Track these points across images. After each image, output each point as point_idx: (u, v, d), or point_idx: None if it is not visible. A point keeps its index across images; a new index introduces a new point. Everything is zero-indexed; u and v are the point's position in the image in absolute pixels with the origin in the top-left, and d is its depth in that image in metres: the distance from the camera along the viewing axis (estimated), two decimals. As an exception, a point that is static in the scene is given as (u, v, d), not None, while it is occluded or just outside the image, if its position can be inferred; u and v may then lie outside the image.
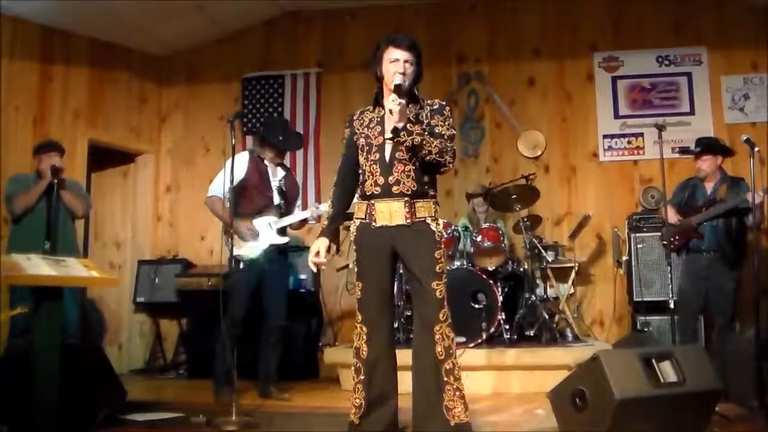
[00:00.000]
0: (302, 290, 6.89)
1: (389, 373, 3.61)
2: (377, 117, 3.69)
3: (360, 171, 3.67)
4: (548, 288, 6.75)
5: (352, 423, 3.57)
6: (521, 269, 6.39)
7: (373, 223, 3.57)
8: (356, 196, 3.77)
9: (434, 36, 7.66)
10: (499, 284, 6.04)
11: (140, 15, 7.04)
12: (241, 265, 5.24)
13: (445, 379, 3.43)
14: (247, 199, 5.36)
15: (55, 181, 5.33)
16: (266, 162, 5.49)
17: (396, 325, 5.92)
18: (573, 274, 6.77)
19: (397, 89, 3.44)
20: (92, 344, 6.43)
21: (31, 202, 5.40)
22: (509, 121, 7.46)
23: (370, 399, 3.54)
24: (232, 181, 4.68)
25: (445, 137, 3.55)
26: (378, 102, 3.73)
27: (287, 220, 5.42)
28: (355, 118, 3.78)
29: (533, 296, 6.22)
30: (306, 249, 7.11)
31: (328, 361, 6.20)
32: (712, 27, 7.17)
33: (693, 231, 5.37)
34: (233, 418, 4.04)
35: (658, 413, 3.37)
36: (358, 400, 3.54)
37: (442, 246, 3.59)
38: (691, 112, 7.14)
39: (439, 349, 3.44)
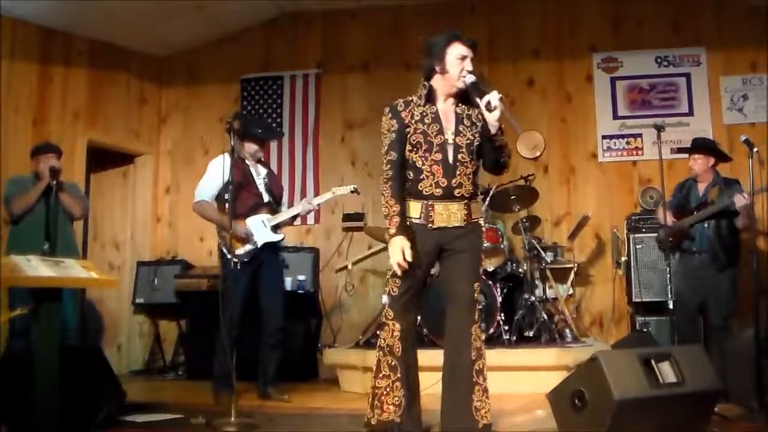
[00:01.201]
0: (301, 291, 6.89)
1: (417, 371, 3.64)
2: (430, 113, 3.56)
3: (411, 168, 3.54)
4: (547, 289, 6.75)
5: (391, 422, 3.51)
6: (520, 270, 6.38)
7: (430, 225, 3.51)
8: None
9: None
10: (498, 285, 6.03)
11: (140, 16, 7.03)
12: (239, 266, 5.22)
13: (475, 379, 3.47)
14: (238, 200, 5.26)
15: (54, 182, 5.33)
16: (247, 161, 5.45)
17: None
18: (572, 275, 6.77)
19: (475, 87, 3.48)
20: (91, 345, 6.44)
21: (30, 203, 5.41)
22: (508, 121, 7.43)
23: (408, 396, 3.54)
24: (231, 181, 4.68)
25: None
26: (431, 98, 3.59)
27: (281, 217, 5.40)
28: (401, 110, 3.56)
29: (532, 297, 6.21)
30: (305, 249, 7.16)
31: (328, 362, 6.20)
32: (711, 28, 7.18)
33: (684, 232, 5.37)
34: (232, 419, 4.03)
35: (657, 414, 3.38)
36: (397, 399, 3.51)
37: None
38: (690, 113, 7.14)
39: (472, 350, 3.48)
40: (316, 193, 7.56)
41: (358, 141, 7.77)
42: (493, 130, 3.47)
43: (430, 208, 3.51)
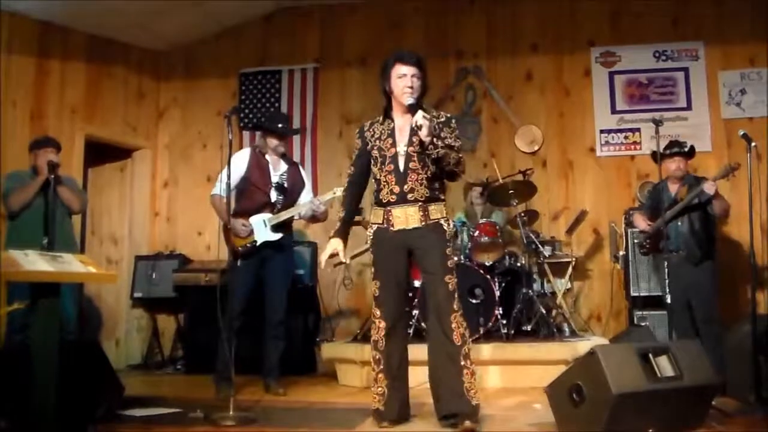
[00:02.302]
0: (299, 285, 6.89)
1: (404, 364, 3.95)
2: (387, 129, 3.95)
3: (374, 180, 3.98)
4: (545, 283, 6.76)
5: (378, 410, 3.89)
6: (518, 264, 6.39)
7: (391, 228, 3.88)
8: (372, 203, 4.05)
9: (432, 31, 7.66)
10: (496, 279, 6.04)
11: (138, 10, 7.02)
12: (240, 262, 5.25)
13: (463, 363, 3.75)
14: (247, 197, 5.37)
15: (52, 176, 5.32)
16: (268, 156, 5.47)
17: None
18: (570, 269, 6.78)
19: (412, 107, 3.78)
20: (90, 340, 6.44)
21: (28, 198, 5.39)
22: (507, 116, 7.46)
23: (391, 387, 3.87)
24: (229, 176, 4.67)
25: (455, 149, 3.84)
26: (387, 115, 3.98)
27: (282, 217, 5.37)
28: (365, 129, 4.03)
29: (530, 291, 6.22)
30: (303, 243, 7.16)
31: (326, 357, 6.21)
32: (710, 22, 7.17)
33: (660, 234, 5.42)
34: (231, 413, 4.04)
35: (655, 408, 3.39)
36: (381, 389, 3.88)
37: (451, 243, 3.90)
38: (688, 108, 7.14)
39: (455, 336, 3.76)
40: (314, 186, 7.53)
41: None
42: (425, 144, 3.73)
43: (389, 213, 3.90)
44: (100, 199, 7.93)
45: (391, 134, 3.92)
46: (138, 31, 7.54)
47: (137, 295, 7.53)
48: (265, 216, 5.36)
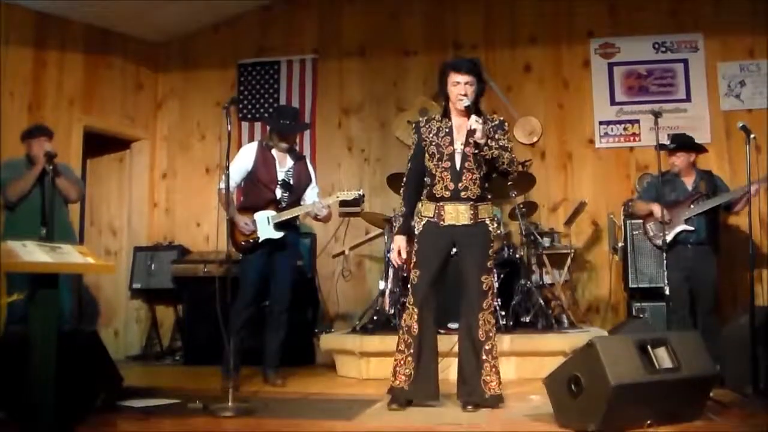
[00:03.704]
0: (298, 276, 6.88)
1: (434, 350, 4.22)
2: (446, 127, 4.18)
3: (429, 174, 4.18)
4: (544, 274, 6.75)
5: (400, 389, 4.10)
6: (517, 256, 6.39)
7: (441, 222, 4.13)
8: (423, 195, 4.25)
9: (430, 22, 7.63)
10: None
11: (135, 1, 6.99)
12: (243, 256, 5.28)
13: (484, 357, 4.08)
14: (253, 193, 5.39)
15: (50, 167, 5.29)
16: (274, 151, 5.44)
17: (392, 311, 5.95)
18: (569, 261, 6.78)
19: (468, 110, 4.00)
20: (88, 331, 6.43)
21: (26, 188, 5.38)
22: (505, 107, 7.44)
23: (420, 370, 4.11)
24: (228, 167, 4.68)
25: (509, 149, 4.11)
26: (446, 114, 4.22)
27: (284, 216, 5.36)
28: (422, 125, 4.27)
29: (529, 283, 6.21)
30: (302, 234, 7.14)
31: (324, 348, 6.21)
32: (709, 13, 7.14)
33: (684, 224, 5.43)
34: (229, 404, 4.05)
35: (653, 399, 3.39)
36: (408, 370, 4.11)
37: (494, 243, 4.15)
38: (687, 99, 7.12)
39: (480, 333, 4.08)
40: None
41: (355, 126, 7.75)
42: (481, 146, 3.96)
43: (441, 209, 4.12)
44: (99, 189, 7.93)
45: (449, 133, 4.15)
46: (136, 22, 7.51)
47: (136, 285, 7.53)
48: (269, 213, 5.34)
